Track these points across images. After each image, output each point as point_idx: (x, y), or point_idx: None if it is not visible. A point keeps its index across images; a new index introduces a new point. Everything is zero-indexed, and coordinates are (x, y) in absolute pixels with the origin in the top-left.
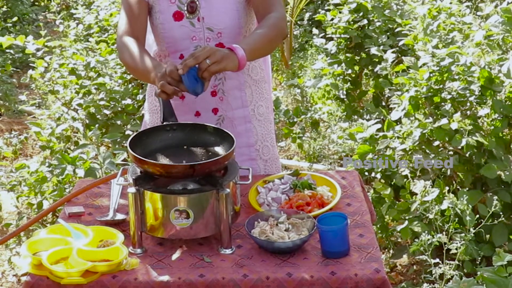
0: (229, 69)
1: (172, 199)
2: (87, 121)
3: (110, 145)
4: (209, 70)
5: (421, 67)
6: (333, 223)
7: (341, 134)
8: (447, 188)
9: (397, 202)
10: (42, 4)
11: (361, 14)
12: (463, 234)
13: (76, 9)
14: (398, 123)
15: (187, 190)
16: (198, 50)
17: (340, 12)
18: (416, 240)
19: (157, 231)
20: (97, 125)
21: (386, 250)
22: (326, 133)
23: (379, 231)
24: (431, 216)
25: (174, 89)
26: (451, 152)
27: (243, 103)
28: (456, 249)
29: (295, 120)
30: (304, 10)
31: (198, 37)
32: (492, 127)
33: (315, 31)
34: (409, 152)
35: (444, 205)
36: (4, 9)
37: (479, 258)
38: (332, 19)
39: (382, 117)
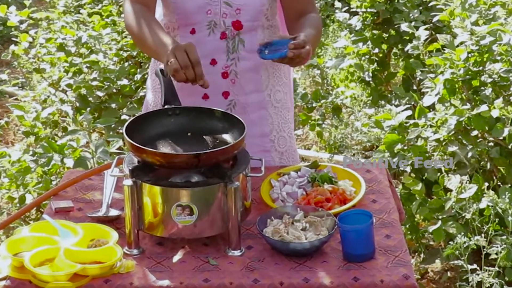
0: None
1: (173, 193)
2: (77, 104)
3: (103, 131)
4: (301, 57)
5: (458, 46)
6: (356, 222)
7: (366, 121)
8: (486, 184)
9: (429, 199)
10: None
11: None
12: (504, 237)
13: None
14: (431, 109)
15: (190, 183)
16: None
17: None
18: (451, 242)
19: (157, 229)
20: (88, 109)
21: (416, 254)
22: (349, 120)
23: (409, 232)
24: (468, 216)
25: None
26: (491, 144)
27: (258, 87)
28: (496, 253)
29: (314, 105)
30: None
31: (213, 11)
32: None
33: (337, 4)
34: (444, 143)
35: (483, 204)
36: None
37: None
38: None
39: (412, 103)
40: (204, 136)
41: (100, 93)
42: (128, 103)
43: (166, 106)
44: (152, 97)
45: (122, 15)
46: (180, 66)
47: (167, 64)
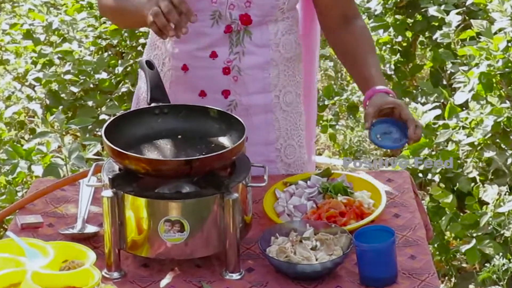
0: None
1: (161, 206)
2: (48, 102)
3: (78, 133)
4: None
5: (495, 33)
6: (376, 240)
7: None
8: None
9: (461, 214)
10: None
11: None
12: None
13: None
14: (464, 108)
15: (181, 194)
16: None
17: None
18: (487, 265)
19: (141, 248)
20: (61, 107)
21: (447, 278)
22: None
23: (437, 252)
24: (507, 234)
25: (168, 24)
26: None
27: (265, 87)
28: None
29: (326, 102)
30: None
31: (219, 1)
32: None
33: None
34: (479, 147)
35: None
36: None
37: None
38: None
39: (442, 101)
40: (197, 139)
41: (74, 89)
42: (108, 100)
43: (152, 104)
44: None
45: None
46: (161, 9)
47: (147, 16)
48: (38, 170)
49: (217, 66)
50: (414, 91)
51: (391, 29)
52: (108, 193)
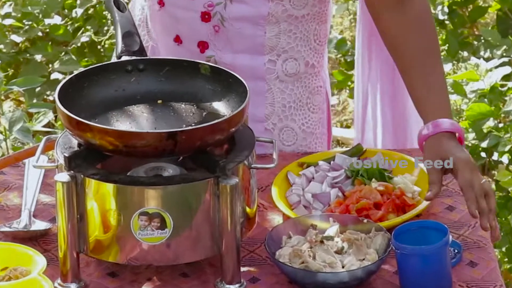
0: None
1: (135, 194)
2: None
3: (22, 98)
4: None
5: None
6: (423, 241)
7: None
8: None
9: None
10: None
11: None
12: None
13: None
14: None
15: (162, 179)
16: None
17: None
18: None
19: (108, 251)
20: None
21: None
22: None
23: (506, 259)
24: None
25: None
26: None
27: (257, 47)
28: None
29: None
30: None
31: None
32: None
33: None
34: None
35: None
36: None
37: None
38: None
39: None
40: (183, 105)
41: (17, 38)
42: (63, 53)
43: (123, 58)
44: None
45: None
46: None
47: None
48: None
49: (196, 9)
50: (475, 43)
51: None
52: (63, 177)
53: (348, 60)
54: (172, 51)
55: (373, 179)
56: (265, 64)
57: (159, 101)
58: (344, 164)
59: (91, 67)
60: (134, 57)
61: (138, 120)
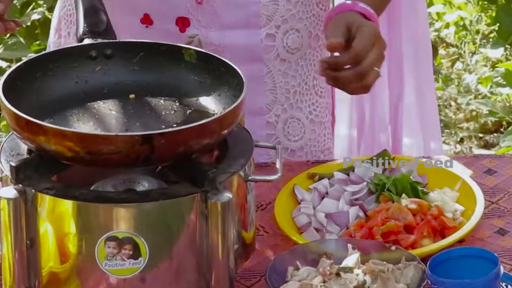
0: None
1: (101, 214)
2: None
3: None
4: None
5: None
6: (466, 274)
7: (486, 73)
8: None
9: None
10: None
11: None
12: None
13: None
14: None
15: (135, 194)
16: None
17: None
18: None
19: (66, 287)
20: None
21: None
22: (452, 72)
23: None
24: None
25: None
26: None
27: (251, 16)
28: None
29: None
30: None
31: None
32: None
33: None
34: None
35: None
36: None
37: None
38: None
39: None
40: (162, 101)
41: None
42: (7, 36)
43: (85, 41)
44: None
45: None
46: None
47: None
48: None
49: None
50: None
51: None
52: (9, 192)
53: None
54: (138, 36)
55: (404, 195)
56: (262, 41)
57: (132, 96)
58: (367, 175)
59: (44, 52)
60: (99, 40)
61: (104, 120)
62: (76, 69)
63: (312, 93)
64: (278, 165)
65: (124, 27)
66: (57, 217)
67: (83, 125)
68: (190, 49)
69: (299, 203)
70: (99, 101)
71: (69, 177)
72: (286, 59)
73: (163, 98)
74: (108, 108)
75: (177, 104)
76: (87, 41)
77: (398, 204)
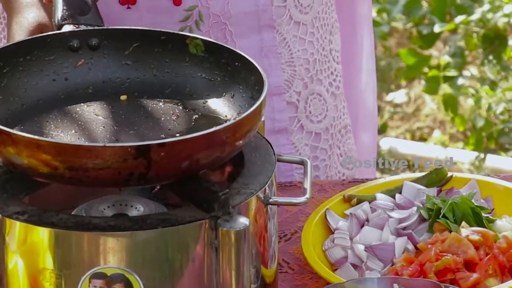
0: None
1: (85, 245)
2: None
3: None
4: None
5: None
6: None
7: None
8: None
9: None
10: None
11: None
12: None
13: None
14: None
15: (127, 221)
16: None
17: None
18: None
19: None
20: None
21: None
22: None
23: None
24: None
25: None
26: None
27: None
28: None
29: (437, 30)
30: None
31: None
32: None
33: None
34: None
35: None
36: None
37: None
38: None
39: None
40: (161, 104)
41: None
42: None
43: (65, 27)
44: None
45: None
46: None
47: None
48: None
49: None
50: None
51: None
52: None
53: (424, 32)
54: (119, 22)
55: (464, 223)
56: (273, 2)
57: (123, 97)
58: (417, 198)
59: (13, 42)
60: (83, 27)
61: (89, 127)
62: (53, 63)
63: (330, 59)
64: (306, 185)
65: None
66: (30, 248)
67: (62, 134)
68: (197, 38)
69: (332, 233)
70: (82, 104)
71: (45, 198)
72: (300, 22)
73: (162, 100)
74: (94, 113)
75: (180, 107)
76: (67, 28)
77: (456, 234)
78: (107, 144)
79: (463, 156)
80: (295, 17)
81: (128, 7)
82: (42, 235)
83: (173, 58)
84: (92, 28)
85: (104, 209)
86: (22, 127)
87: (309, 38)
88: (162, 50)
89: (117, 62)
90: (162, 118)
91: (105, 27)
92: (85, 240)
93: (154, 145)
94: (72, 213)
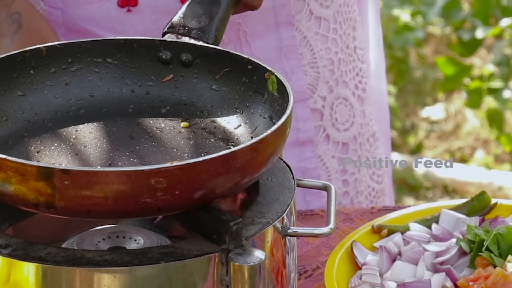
0: None
1: (77, 282)
2: None
3: None
4: None
5: None
6: None
7: None
8: None
9: None
10: None
11: None
12: None
13: None
14: None
15: (125, 255)
16: None
17: None
18: None
19: None
20: None
21: None
22: None
23: None
24: None
25: None
26: None
27: None
28: None
29: (479, 35)
30: None
31: None
32: None
33: None
34: None
35: None
36: None
37: None
38: None
39: None
40: (167, 121)
41: None
42: None
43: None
44: None
45: None
46: None
47: None
48: None
49: None
50: None
51: None
52: None
53: (465, 38)
54: (119, 27)
55: (510, 257)
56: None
57: (184, 124)
58: (457, 229)
59: (4, 55)
60: (186, 39)
61: (84, 150)
62: (44, 77)
63: (355, 58)
64: (330, 214)
65: (96, 18)
66: (15, 286)
67: (53, 157)
68: (273, 74)
69: (360, 268)
70: (79, 125)
71: (32, 229)
72: (321, 17)
73: (165, 117)
74: (91, 134)
75: (189, 126)
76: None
77: (501, 270)
78: (104, 169)
79: (509, 180)
80: (316, 11)
81: (129, 10)
82: (28, 271)
83: (255, 94)
84: (187, 42)
85: (99, 241)
86: (8, 151)
87: (332, 35)
88: (248, 81)
89: (114, 77)
90: (167, 138)
91: (201, 44)
92: (77, 277)
93: (158, 170)
94: (62, 246)
